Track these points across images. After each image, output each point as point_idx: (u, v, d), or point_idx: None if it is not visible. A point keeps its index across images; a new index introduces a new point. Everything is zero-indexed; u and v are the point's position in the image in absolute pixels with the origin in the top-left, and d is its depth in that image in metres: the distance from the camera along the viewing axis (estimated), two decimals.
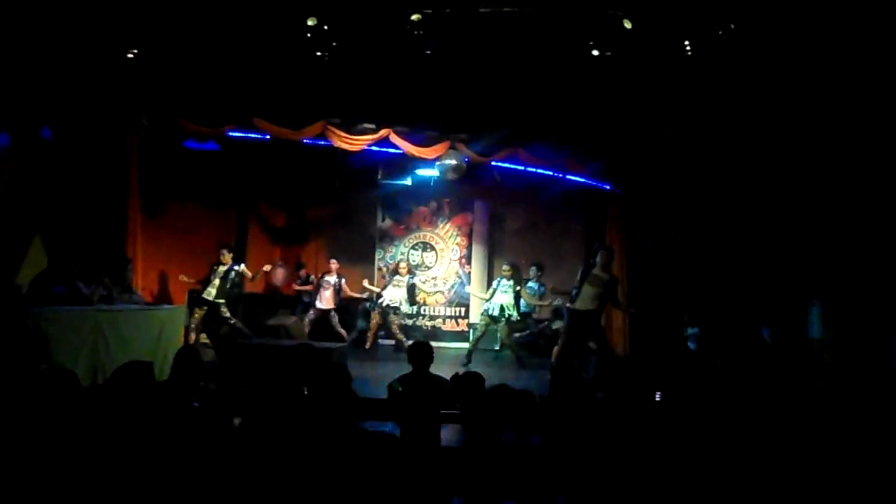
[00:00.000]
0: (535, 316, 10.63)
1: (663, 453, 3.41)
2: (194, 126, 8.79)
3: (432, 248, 11.91)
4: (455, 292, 11.67)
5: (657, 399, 4.61)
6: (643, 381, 4.80)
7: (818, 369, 7.67)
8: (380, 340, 10.62)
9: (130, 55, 7.95)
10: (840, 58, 7.39)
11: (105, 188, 8.47)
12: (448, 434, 4.54)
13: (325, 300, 10.31)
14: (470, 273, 11.68)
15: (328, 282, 10.37)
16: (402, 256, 11.81)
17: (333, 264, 10.52)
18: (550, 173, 10.33)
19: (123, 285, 7.73)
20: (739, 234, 9.47)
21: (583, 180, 10.51)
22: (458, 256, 11.85)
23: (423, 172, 10.67)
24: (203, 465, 2.83)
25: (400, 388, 4.63)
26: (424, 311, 11.60)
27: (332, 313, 10.33)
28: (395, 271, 10.59)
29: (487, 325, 9.45)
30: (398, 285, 10.36)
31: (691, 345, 9.09)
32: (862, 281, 8.17)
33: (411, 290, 10.60)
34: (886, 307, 7.86)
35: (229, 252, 9.38)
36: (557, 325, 9.65)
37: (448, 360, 9.12)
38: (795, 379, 6.97)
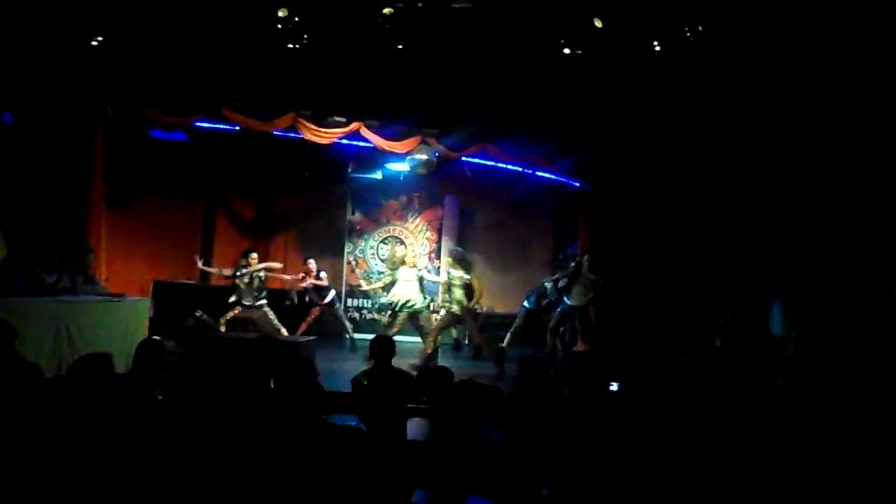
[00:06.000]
0: None
1: (633, 446, 3.46)
2: (161, 115, 8.65)
3: (402, 243, 11.89)
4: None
5: (614, 389, 4.67)
6: (609, 376, 4.86)
7: (779, 365, 7.84)
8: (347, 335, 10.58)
9: (95, 42, 7.79)
10: (805, 57, 7.55)
11: (68, 177, 8.30)
12: (415, 428, 4.56)
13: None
14: (439, 267, 11.69)
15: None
16: (371, 251, 11.79)
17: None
18: (521, 170, 10.40)
19: (85, 275, 7.59)
20: (706, 232, 9.62)
21: (553, 177, 10.60)
22: (427, 251, 11.85)
23: (393, 167, 10.65)
24: (165, 457, 2.81)
25: (364, 382, 4.63)
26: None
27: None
28: (401, 262, 9.06)
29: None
30: (409, 280, 8.83)
31: None
32: (822, 279, 8.37)
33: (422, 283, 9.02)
34: (845, 305, 8.06)
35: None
36: None
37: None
38: (756, 374, 7.12)
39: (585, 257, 8.99)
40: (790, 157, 8.52)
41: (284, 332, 9.07)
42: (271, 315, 9.18)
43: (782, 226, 8.83)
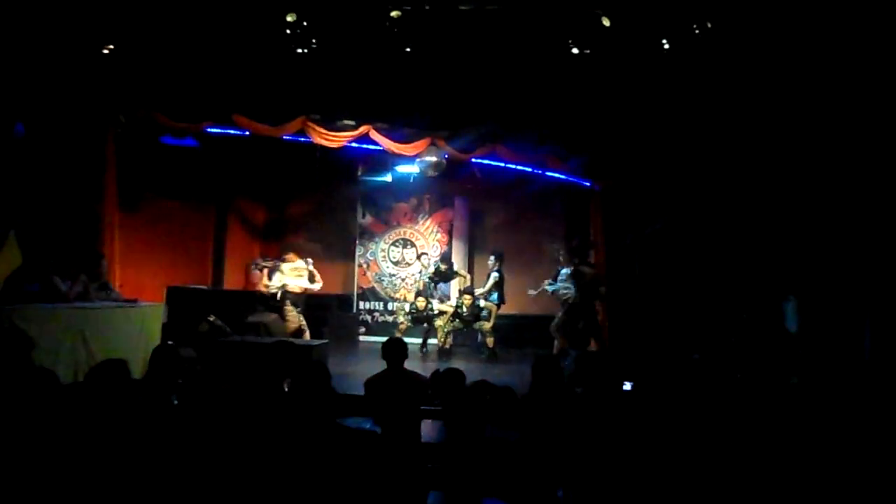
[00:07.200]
0: None
1: (648, 445, 3.46)
2: (172, 122, 8.71)
3: (412, 245, 11.91)
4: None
5: (627, 389, 4.66)
6: (622, 376, 4.85)
7: (794, 363, 7.79)
8: (360, 338, 10.59)
9: (106, 50, 7.86)
10: (814, 54, 7.50)
11: (81, 184, 8.36)
12: (428, 430, 4.57)
13: None
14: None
15: None
16: (382, 253, 11.82)
17: None
18: (530, 170, 10.38)
19: (99, 282, 7.64)
20: (717, 230, 9.57)
21: (562, 177, 10.56)
22: (438, 253, 11.86)
23: (403, 169, 10.68)
24: (182, 461, 2.83)
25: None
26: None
27: None
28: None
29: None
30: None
31: None
32: (836, 276, 8.30)
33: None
34: (860, 302, 7.99)
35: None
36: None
37: (429, 356, 9.17)
38: (771, 372, 7.08)
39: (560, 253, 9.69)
40: (804, 154, 8.46)
41: (307, 335, 9.07)
42: (298, 316, 9.11)
43: (797, 223, 8.77)
